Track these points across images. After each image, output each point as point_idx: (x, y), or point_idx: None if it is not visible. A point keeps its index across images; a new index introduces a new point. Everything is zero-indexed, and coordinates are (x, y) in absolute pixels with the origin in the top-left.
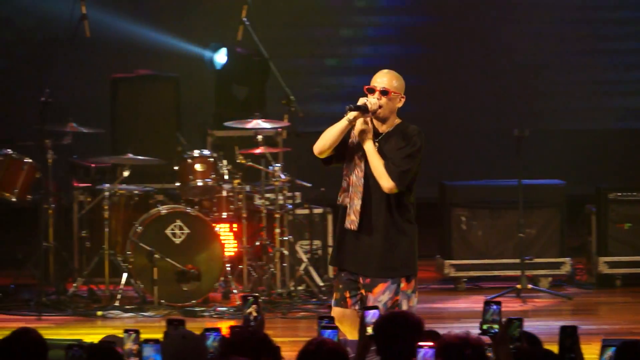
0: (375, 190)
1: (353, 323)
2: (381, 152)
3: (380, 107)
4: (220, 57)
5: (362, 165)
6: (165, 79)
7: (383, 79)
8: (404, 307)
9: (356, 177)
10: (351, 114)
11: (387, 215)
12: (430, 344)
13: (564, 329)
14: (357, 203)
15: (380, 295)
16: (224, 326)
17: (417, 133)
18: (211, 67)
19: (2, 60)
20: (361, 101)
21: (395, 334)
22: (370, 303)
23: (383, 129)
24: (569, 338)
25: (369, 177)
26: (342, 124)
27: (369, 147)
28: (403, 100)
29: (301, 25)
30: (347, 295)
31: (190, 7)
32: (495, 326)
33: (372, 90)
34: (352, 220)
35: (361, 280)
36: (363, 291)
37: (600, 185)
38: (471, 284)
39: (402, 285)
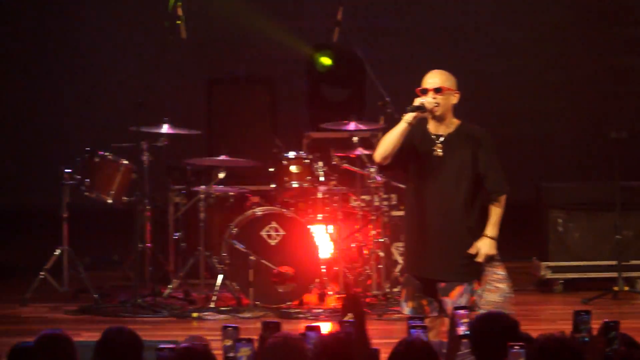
0: (447, 194)
1: (433, 329)
2: (447, 154)
3: (437, 104)
4: (325, 59)
5: (433, 170)
6: (261, 80)
7: (434, 78)
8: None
9: (426, 182)
10: (409, 116)
11: (460, 218)
12: (521, 344)
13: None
14: (430, 207)
15: (459, 298)
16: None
17: (487, 133)
18: (314, 68)
19: (99, 62)
20: (417, 102)
21: (491, 334)
22: (449, 307)
23: (443, 129)
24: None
25: (440, 181)
26: (401, 127)
27: None
28: (457, 96)
29: (399, 26)
30: (424, 303)
31: (286, 8)
32: (587, 336)
33: (425, 91)
34: (427, 225)
35: (437, 285)
36: (439, 296)
37: None
38: (567, 287)
39: (474, 285)
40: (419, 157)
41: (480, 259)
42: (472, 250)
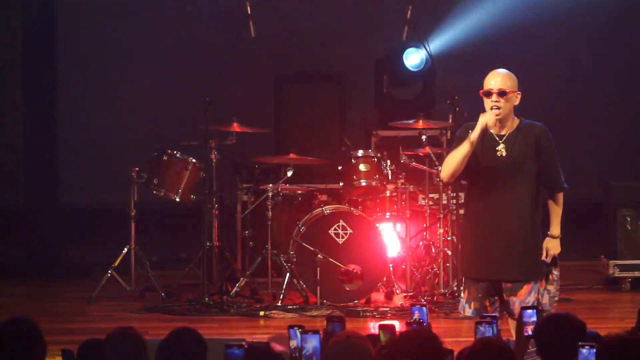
0: (513, 193)
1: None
2: (511, 153)
3: (498, 114)
4: (414, 57)
5: (498, 170)
6: (329, 77)
7: (497, 79)
8: (544, 302)
9: (491, 183)
10: (474, 137)
11: (528, 216)
12: (592, 343)
13: None
14: (496, 208)
15: (527, 296)
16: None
17: (545, 129)
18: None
19: (168, 60)
20: (481, 122)
21: (558, 335)
22: (517, 306)
23: (504, 130)
24: None
25: (505, 181)
26: (465, 149)
27: None
28: (519, 96)
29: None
30: (487, 304)
31: (353, 7)
32: None
33: (488, 94)
34: (494, 226)
35: (502, 285)
36: (505, 296)
37: None
38: (635, 285)
39: (539, 283)
40: (482, 160)
41: (549, 260)
42: (542, 251)
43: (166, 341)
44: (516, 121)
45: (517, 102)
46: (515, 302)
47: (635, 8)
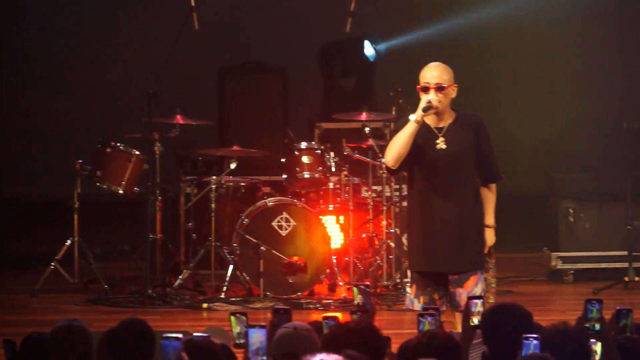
0: (455, 185)
1: (444, 322)
2: (451, 145)
3: (440, 102)
4: (368, 48)
5: (438, 163)
6: (272, 69)
7: (433, 73)
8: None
9: (433, 176)
10: (419, 115)
11: (470, 207)
12: (536, 335)
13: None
14: (440, 201)
15: (474, 287)
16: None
17: (482, 120)
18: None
19: (110, 53)
20: (424, 102)
21: (504, 325)
22: (463, 297)
23: (443, 123)
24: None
25: (447, 174)
26: (411, 127)
27: None
28: (456, 89)
29: (411, 16)
30: (436, 297)
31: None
32: (597, 325)
33: (426, 89)
34: (438, 219)
35: (449, 277)
36: (451, 288)
37: None
38: (578, 277)
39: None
40: (422, 154)
41: (486, 250)
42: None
43: (114, 332)
44: (452, 113)
45: (454, 95)
46: (462, 294)
47: None
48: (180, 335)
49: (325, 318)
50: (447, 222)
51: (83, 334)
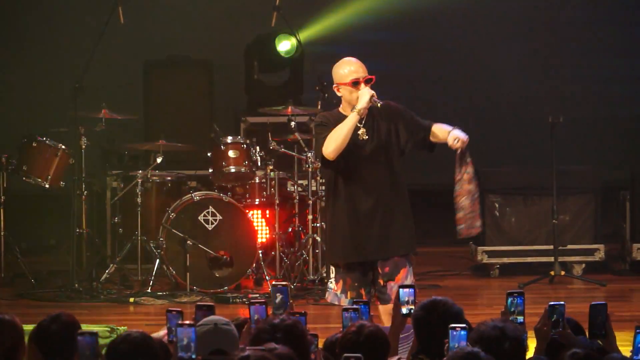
0: (380, 173)
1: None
2: (373, 134)
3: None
4: (285, 44)
5: (362, 153)
6: (198, 63)
7: (359, 67)
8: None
9: (357, 166)
10: (360, 106)
11: (396, 193)
12: (463, 325)
13: (594, 306)
14: (365, 190)
15: (405, 280)
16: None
17: (400, 104)
18: (275, 52)
19: (36, 46)
20: (367, 95)
21: (435, 322)
22: (394, 291)
23: (363, 115)
24: (599, 315)
25: (371, 163)
26: (353, 119)
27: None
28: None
29: (336, 11)
30: (363, 292)
31: None
32: (520, 317)
33: (356, 83)
34: (365, 208)
35: (380, 270)
36: (381, 282)
37: (634, 171)
38: (504, 271)
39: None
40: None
41: (464, 140)
42: (452, 142)
43: (43, 326)
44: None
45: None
46: (393, 287)
47: None
48: (95, 331)
49: (274, 286)
50: (373, 211)
51: (13, 328)
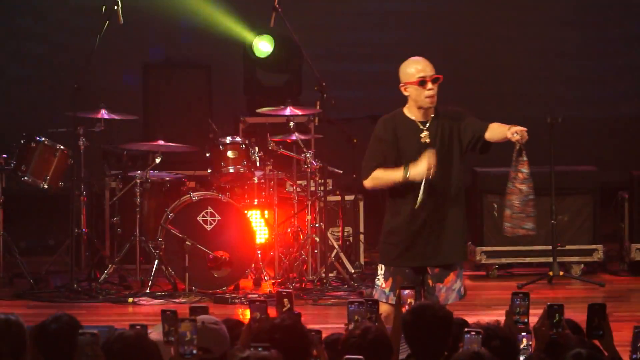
0: (440, 179)
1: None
2: (435, 139)
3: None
4: (264, 44)
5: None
6: (196, 64)
7: (427, 66)
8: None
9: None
10: (412, 175)
11: (454, 199)
12: (477, 329)
13: (592, 307)
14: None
15: (454, 283)
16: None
17: (461, 108)
18: (252, 54)
19: (35, 47)
20: (424, 168)
21: (424, 326)
22: (443, 293)
23: (427, 117)
24: (598, 316)
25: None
26: (397, 177)
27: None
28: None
29: (334, 12)
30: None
31: None
32: (525, 318)
33: (424, 82)
34: (423, 213)
35: (429, 271)
36: (430, 282)
37: (633, 171)
38: (503, 271)
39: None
40: (407, 147)
41: (523, 131)
42: (510, 134)
43: (44, 326)
44: (432, 108)
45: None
46: (442, 289)
47: None
48: (95, 331)
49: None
50: (430, 216)
51: (19, 328)
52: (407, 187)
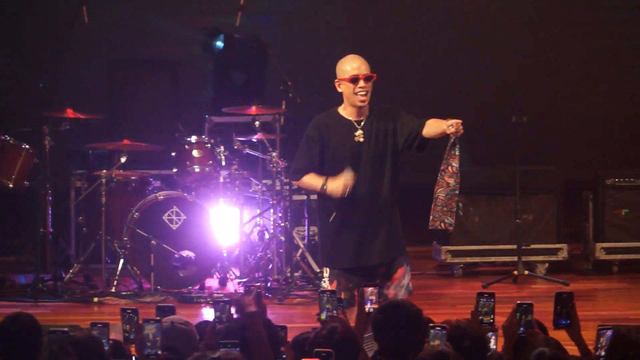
0: (374, 177)
1: None
2: (370, 137)
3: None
4: (218, 42)
5: (356, 156)
6: (162, 63)
7: (360, 64)
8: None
9: (355, 164)
10: (331, 190)
11: (389, 196)
12: (443, 325)
13: (559, 295)
14: (359, 194)
15: (403, 280)
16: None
17: (399, 107)
18: (209, 52)
19: (1, 46)
20: (340, 186)
21: (393, 323)
22: (392, 290)
23: (362, 116)
24: (565, 305)
25: (365, 166)
26: (318, 186)
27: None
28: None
29: (300, 12)
30: (356, 293)
31: None
32: (489, 318)
33: (356, 80)
34: (359, 212)
35: (375, 271)
36: (378, 281)
37: (597, 171)
38: (468, 270)
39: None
40: (342, 147)
41: (459, 123)
42: (446, 127)
43: (1, 327)
44: (367, 106)
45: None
46: (390, 286)
47: None
48: (65, 329)
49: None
50: (369, 214)
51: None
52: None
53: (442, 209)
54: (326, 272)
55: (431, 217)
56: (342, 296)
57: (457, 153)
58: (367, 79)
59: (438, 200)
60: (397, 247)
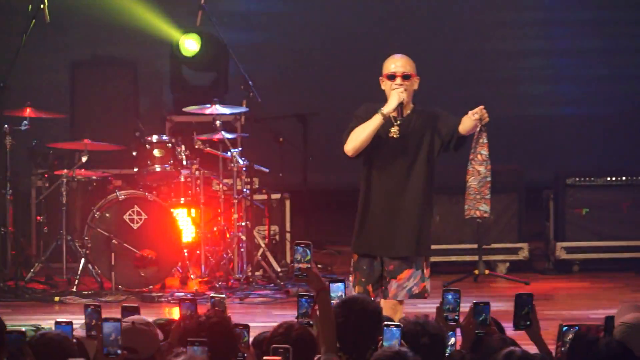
0: (401, 175)
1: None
2: (405, 135)
3: (405, 90)
4: (191, 43)
5: (389, 152)
6: (123, 62)
7: (399, 63)
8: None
9: (381, 164)
10: (387, 109)
11: (414, 197)
12: (397, 324)
13: (519, 296)
14: (384, 188)
15: (406, 281)
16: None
17: (441, 110)
18: (179, 53)
19: None
20: (398, 97)
21: (352, 319)
22: (394, 289)
23: (403, 113)
24: (525, 306)
25: (395, 163)
26: (377, 121)
27: None
28: (418, 81)
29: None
30: (370, 289)
31: None
32: (455, 314)
33: (392, 77)
34: (382, 204)
35: (385, 267)
36: (387, 278)
37: (558, 171)
38: (434, 269)
39: (426, 271)
40: (375, 138)
41: (482, 110)
42: (471, 116)
43: None
44: (411, 106)
45: (416, 87)
46: (393, 285)
47: None
48: (24, 329)
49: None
50: (388, 208)
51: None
52: (375, 177)
53: (476, 197)
54: (351, 277)
55: (466, 207)
56: (356, 290)
57: (485, 141)
58: (404, 77)
59: (471, 189)
60: (413, 247)
